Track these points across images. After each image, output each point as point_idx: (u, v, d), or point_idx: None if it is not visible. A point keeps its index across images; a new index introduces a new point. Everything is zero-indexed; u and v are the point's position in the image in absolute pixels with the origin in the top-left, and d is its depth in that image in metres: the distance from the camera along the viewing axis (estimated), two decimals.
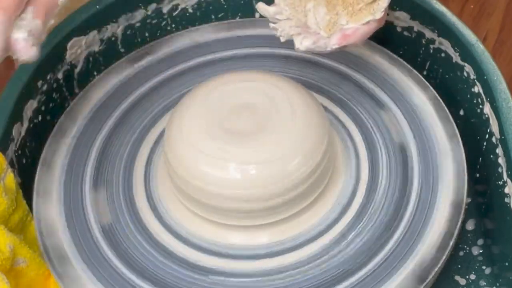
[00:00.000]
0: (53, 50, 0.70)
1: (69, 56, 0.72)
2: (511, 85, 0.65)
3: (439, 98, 0.69)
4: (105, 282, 0.59)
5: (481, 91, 0.67)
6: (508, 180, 0.61)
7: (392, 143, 0.67)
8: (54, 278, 0.60)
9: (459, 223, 0.61)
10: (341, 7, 0.61)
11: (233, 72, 0.67)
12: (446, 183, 0.63)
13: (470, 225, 0.70)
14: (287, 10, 0.62)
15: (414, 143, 0.67)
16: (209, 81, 0.65)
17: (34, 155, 0.68)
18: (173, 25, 0.79)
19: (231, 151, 0.59)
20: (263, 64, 0.73)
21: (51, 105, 0.72)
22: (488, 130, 0.66)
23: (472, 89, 0.69)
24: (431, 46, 0.73)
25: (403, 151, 0.66)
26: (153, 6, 0.77)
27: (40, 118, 0.70)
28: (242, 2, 0.80)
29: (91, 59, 0.75)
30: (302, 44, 0.60)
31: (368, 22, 0.60)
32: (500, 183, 0.63)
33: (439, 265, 0.59)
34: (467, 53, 0.68)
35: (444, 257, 0.59)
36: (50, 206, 0.64)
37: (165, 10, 0.78)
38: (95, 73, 0.76)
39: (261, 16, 0.65)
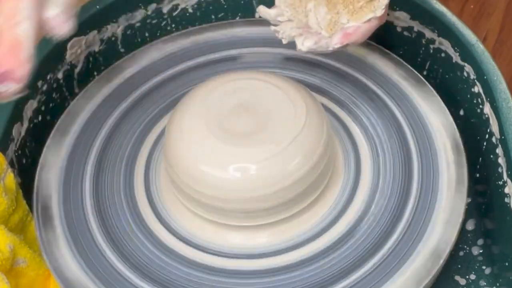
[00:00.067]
0: (53, 50, 0.70)
1: (69, 56, 0.72)
2: (511, 85, 0.65)
3: (439, 98, 0.69)
4: (104, 281, 0.59)
5: (481, 91, 0.67)
6: (508, 180, 0.61)
7: (392, 143, 0.67)
8: (53, 278, 0.60)
9: (459, 223, 0.61)
10: (341, 6, 0.61)
11: (233, 72, 0.67)
12: (446, 183, 0.63)
13: (470, 225, 0.70)
14: (287, 11, 0.62)
15: (414, 143, 0.67)
16: (209, 81, 0.65)
17: (34, 155, 0.68)
18: (173, 25, 0.79)
19: (231, 151, 0.59)
20: (263, 64, 0.73)
21: (51, 105, 0.72)
22: (488, 130, 0.66)
23: (472, 89, 0.69)
24: (431, 46, 0.73)
25: (403, 151, 0.66)
26: (153, 6, 0.77)
27: (40, 118, 0.70)
28: (242, 2, 0.80)
29: (91, 59, 0.75)
30: (304, 45, 0.60)
31: (369, 20, 0.60)
32: (500, 183, 0.63)
33: (439, 265, 0.59)
34: (467, 53, 0.68)
35: (444, 258, 0.59)
36: (50, 207, 0.64)
37: (165, 10, 0.78)
38: (95, 73, 0.76)
39: (261, 16, 0.65)
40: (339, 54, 0.73)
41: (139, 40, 0.78)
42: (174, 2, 0.78)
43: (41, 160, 0.67)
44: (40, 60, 0.69)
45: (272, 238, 0.62)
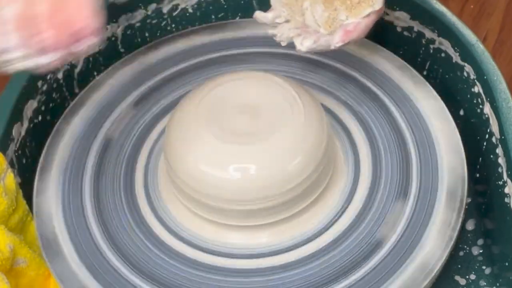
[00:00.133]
0: None
1: None
2: (511, 85, 0.65)
3: (439, 98, 0.69)
4: (104, 281, 0.59)
5: (481, 91, 0.67)
6: (508, 180, 0.61)
7: (392, 143, 0.67)
8: (53, 278, 0.60)
9: (459, 223, 0.61)
10: (339, 2, 0.60)
11: (233, 72, 0.67)
12: (446, 183, 0.63)
13: (470, 225, 0.70)
14: (284, 11, 0.62)
15: (414, 143, 0.67)
16: (209, 81, 0.65)
17: (34, 155, 0.68)
18: (173, 25, 0.79)
19: (231, 151, 0.59)
20: (263, 64, 0.73)
21: (51, 105, 0.72)
22: (488, 130, 0.66)
23: (472, 89, 0.69)
24: (431, 46, 0.73)
25: (403, 151, 0.66)
26: (153, 6, 0.77)
27: (40, 118, 0.70)
28: (242, 2, 0.80)
29: (91, 59, 0.75)
30: (303, 45, 0.60)
31: (368, 15, 0.59)
32: (500, 183, 0.63)
33: (439, 265, 0.59)
34: (467, 53, 0.68)
35: (444, 257, 0.59)
36: (50, 206, 0.64)
37: (165, 10, 0.78)
38: (95, 73, 0.76)
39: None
40: (340, 54, 0.73)
41: (139, 40, 0.78)
42: (174, 2, 0.78)
43: (41, 160, 0.67)
44: None
45: (272, 238, 0.62)
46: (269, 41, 0.74)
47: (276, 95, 0.62)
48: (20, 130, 0.67)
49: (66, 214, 0.63)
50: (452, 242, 0.60)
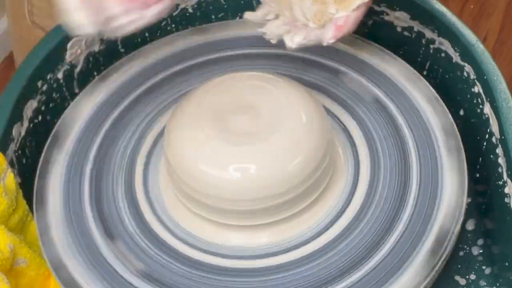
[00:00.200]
0: (53, 50, 0.70)
1: (69, 56, 0.72)
2: (511, 85, 0.65)
3: (439, 98, 0.69)
4: (104, 281, 0.59)
5: (481, 91, 0.67)
6: (508, 180, 0.61)
7: (392, 143, 0.67)
8: (53, 278, 0.60)
9: (459, 224, 0.61)
10: None
11: (233, 72, 0.67)
12: (446, 183, 0.63)
13: (470, 225, 0.70)
14: (273, 6, 0.61)
15: (414, 143, 0.67)
16: (210, 81, 0.65)
17: (34, 155, 0.68)
18: (173, 25, 0.79)
19: (231, 151, 0.59)
20: (263, 64, 0.73)
21: (51, 105, 0.72)
22: (488, 130, 0.66)
23: (472, 89, 0.69)
24: (431, 46, 0.73)
25: (402, 151, 0.66)
26: None
27: (40, 118, 0.70)
28: (242, 2, 0.80)
29: (91, 59, 0.75)
30: (293, 41, 0.59)
31: (357, 7, 0.58)
32: (500, 183, 0.63)
33: (438, 265, 0.59)
34: (467, 53, 0.68)
35: (443, 257, 0.59)
36: (50, 207, 0.64)
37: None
38: (95, 73, 0.76)
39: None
40: (340, 54, 0.73)
41: (139, 40, 0.78)
42: (174, 2, 0.78)
43: (41, 160, 0.67)
44: (40, 60, 0.69)
45: (272, 238, 0.62)
46: (269, 41, 0.74)
47: (277, 95, 0.62)
48: (20, 130, 0.67)
49: (66, 215, 0.63)
50: (452, 241, 0.60)
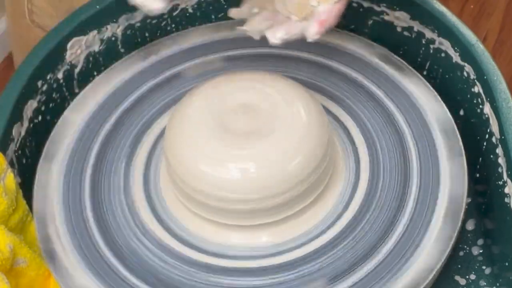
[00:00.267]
0: (53, 50, 0.70)
1: (69, 56, 0.72)
2: (511, 85, 0.65)
3: (439, 97, 0.69)
4: (103, 280, 0.59)
5: (481, 91, 0.67)
6: (508, 180, 0.61)
7: (392, 143, 0.67)
8: (53, 277, 0.60)
9: (459, 224, 0.61)
10: None
11: (233, 72, 0.67)
12: (446, 182, 0.63)
13: (470, 225, 0.70)
14: (255, 1, 0.60)
15: (414, 143, 0.67)
16: (209, 81, 0.65)
17: (34, 155, 0.68)
18: (173, 25, 0.79)
19: (231, 151, 0.59)
20: (263, 64, 0.73)
21: (51, 105, 0.72)
22: (488, 130, 0.66)
23: (472, 89, 0.69)
24: (431, 46, 0.73)
25: (402, 151, 0.66)
26: None
27: (40, 118, 0.70)
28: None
29: (91, 59, 0.75)
30: (276, 36, 0.58)
31: (339, 0, 0.57)
32: (500, 183, 0.63)
33: (438, 266, 0.59)
34: (467, 53, 0.68)
35: (443, 258, 0.59)
36: (50, 207, 0.64)
37: (165, 10, 0.78)
38: (95, 73, 0.76)
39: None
40: (339, 54, 0.73)
41: (139, 40, 0.78)
42: (174, 2, 0.78)
43: (41, 160, 0.67)
44: (40, 60, 0.69)
45: (272, 238, 0.62)
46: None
47: (277, 95, 0.62)
48: (20, 130, 0.67)
49: (65, 213, 0.63)
50: (452, 242, 0.60)
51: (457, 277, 0.66)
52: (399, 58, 0.73)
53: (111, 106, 0.71)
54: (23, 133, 0.67)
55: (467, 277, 0.66)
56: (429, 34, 0.73)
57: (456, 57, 0.70)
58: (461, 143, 0.66)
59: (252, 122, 0.60)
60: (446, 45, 0.71)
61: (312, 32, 0.58)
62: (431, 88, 0.70)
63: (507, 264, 0.62)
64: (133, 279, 0.60)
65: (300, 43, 0.73)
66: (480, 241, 0.69)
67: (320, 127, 0.61)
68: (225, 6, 0.80)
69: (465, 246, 0.68)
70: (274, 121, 0.60)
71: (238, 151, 0.59)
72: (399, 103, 0.69)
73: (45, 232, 0.62)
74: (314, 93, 0.68)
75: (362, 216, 0.62)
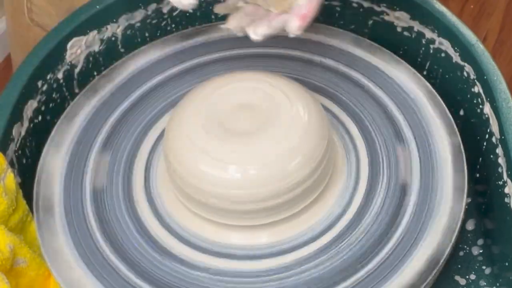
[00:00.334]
0: (53, 50, 0.70)
1: (69, 56, 0.72)
2: (511, 85, 0.65)
3: (439, 97, 0.69)
4: (103, 281, 0.59)
5: (481, 91, 0.67)
6: (508, 180, 0.61)
7: (392, 143, 0.67)
8: (54, 277, 0.60)
9: (459, 223, 0.61)
10: None
11: (233, 72, 0.67)
12: (446, 182, 0.63)
13: (470, 225, 0.70)
14: None
15: (414, 142, 0.67)
16: (209, 81, 0.65)
17: (34, 155, 0.68)
18: (173, 25, 0.79)
19: (231, 151, 0.59)
20: (263, 64, 0.73)
21: (51, 105, 0.72)
22: (488, 130, 0.66)
23: (472, 89, 0.69)
24: (431, 46, 0.73)
25: (402, 150, 0.66)
26: (153, 6, 0.77)
27: (40, 118, 0.70)
28: None
29: (91, 59, 0.75)
30: (257, 32, 0.58)
31: None
32: (500, 183, 0.63)
33: (438, 265, 0.59)
34: (467, 53, 0.68)
35: (443, 258, 0.59)
36: (50, 207, 0.64)
37: (165, 10, 0.78)
38: (95, 73, 0.76)
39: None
40: (339, 54, 0.73)
41: (139, 40, 0.78)
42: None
43: (41, 160, 0.67)
44: (40, 60, 0.69)
45: (272, 238, 0.62)
46: (268, 41, 0.74)
47: (276, 95, 0.62)
48: (20, 130, 0.67)
49: (66, 216, 0.63)
50: (452, 243, 0.60)
51: (457, 277, 0.66)
52: (399, 58, 0.73)
53: (113, 106, 0.71)
54: (23, 133, 0.67)
55: (467, 277, 0.66)
56: (429, 34, 0.73)
57: (456, 57, 0.70)
58: (461, 143, 0.66)
59: (252, 122, 0.60)
60: (446, 45, 0.71)
61: (294, 27, 0.57)
62: (431, 87, 0.70)
63: (507, 264, 0.62)
64: (131, 278, 0.60)
65: (301, 43, 0.74)
66: (480, 241, 0.69)
67: (320, 127, 0.61)
68: None
69: (465, 246, 0.69)
70: (274, 121, 0.60)
71: (238, 151, 0.59)
72: (399, 102, 0.69)
73: (45, 232, 0.62)
74: (314, 93, 0.68)
75: (363, 216, 0.62)
